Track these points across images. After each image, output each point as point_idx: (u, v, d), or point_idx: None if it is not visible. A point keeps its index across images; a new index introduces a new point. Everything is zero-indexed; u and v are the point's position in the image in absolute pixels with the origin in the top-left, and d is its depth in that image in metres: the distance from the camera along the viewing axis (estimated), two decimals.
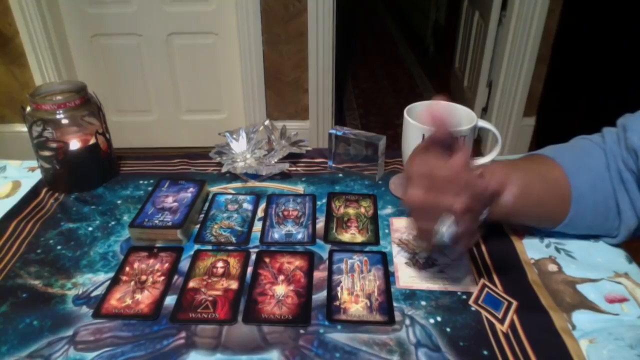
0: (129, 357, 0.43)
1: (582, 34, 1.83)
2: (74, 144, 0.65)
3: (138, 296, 0.49)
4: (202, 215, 0.62)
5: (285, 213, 0.62)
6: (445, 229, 0.41)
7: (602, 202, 0.52)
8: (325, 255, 0.55)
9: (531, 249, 0.56)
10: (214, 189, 0.68)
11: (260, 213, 0.63)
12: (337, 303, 0.48)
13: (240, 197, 0.66)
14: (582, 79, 1.84)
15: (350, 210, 0.63)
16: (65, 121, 0.64)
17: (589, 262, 0.54)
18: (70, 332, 0.45)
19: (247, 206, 0.64)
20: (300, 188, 0.68)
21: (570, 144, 0.58)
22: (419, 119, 0.65)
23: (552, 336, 0.44)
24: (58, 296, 0.50)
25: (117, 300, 0.49)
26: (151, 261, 0.54)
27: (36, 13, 1.87)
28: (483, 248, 0.56)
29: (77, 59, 2.10)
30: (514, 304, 0.48)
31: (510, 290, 0.50)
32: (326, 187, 0.68)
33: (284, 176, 0.71)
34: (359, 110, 2.78)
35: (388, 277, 0.52)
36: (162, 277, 0.52)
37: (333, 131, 0.70)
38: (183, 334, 0.45)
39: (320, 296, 0.49)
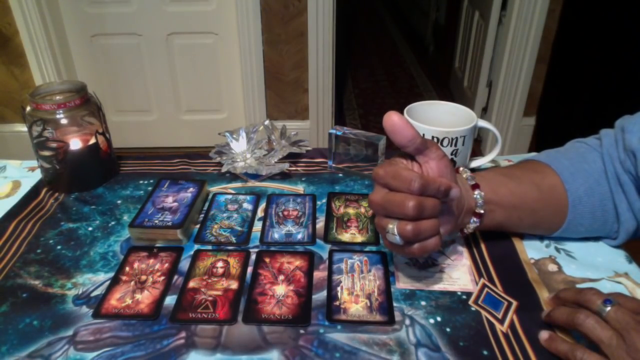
0: (129, 357, 0.43)
1: (582, 34, 1.83)
2: (74, 144, 0.65)
3: (138, 296, 0.49)
4: (202, 215, 0.62)
5: (285, 213, 0.62)
6: (396, 228, 0.42)
7: (599, 206, 0.52)
8: (325, 255, 0.55)
9: (531, 249, 0.56)
10: (214, 189, 0.68)
11: (260, 213, 0.63)
12: (337, 303, 0.48)
13: (240, 197, 0.66)
14: (582, 79, 1.84)
15: (350, 210, 0.63)
16: (65, 121, 0.64)
17: (589, 262, 0.54)
18: (70, 332, 0.45)
19: (247, 206, 0.64)
20: (300, 188, 0.68)
21: (565, 148, 0.58)
22: (420, 119, 0.65)
23: None
24: (58, 296, 0.50)
25: (117, 300, 0.49)
26: (151, 261, 0.54)
27: (36, 13, 1.87)
28: (483, 248, 0.56)
29: (77, 59, 2.10)
30: (514, 304, 0.48)
31: (510, 290, 0.50)
32: (326, 187, 0.68)
33: (284, 176, 0.71)
34: (359, 110, 2.78)
35: (388, 277, 0.52)
36: (162, 277, 0.52)
37: (333, 131, 0.70)
38: (183, 334, 0.45)
39: (320, 296, 0.49)
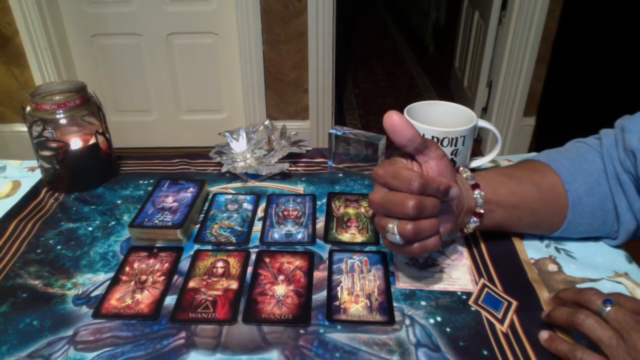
0: (129, 357, 0.43)
1: (582, 33, 1.83)
2: (74, 144, 0.65)
3: (138, 296, 0.49)
4: (202, 215, 0.62)
5: (285, 213, 0.62)
6: (396, 228, 0.42)
7: (599, 206, 0.52)
8: (325, 255, 0.55)
9: (531, 249, 0.56)
10: (214, 188, 0.68)
11: (260, 213, 0.63)
12: (337, 303, 0.48)
13: (240, 197, 0.66)
14: (582, 79, 1.84)
15: (350, 210, 0.63)
16: (65, 121, 0.64)
17: (589, 261, 0.54)
18: (70, 332, 0.45)
19: (247, 206, 0.64)
20: (300, 188, 0.68)
21: (565, 148, 0.58)
22: (420, 119, 0.65)
23: None
24: (58, 296, 0.50)
25: (117, 300, 0.49)
26: (151, 261, 0.54)
27: (36, 13, 1.87)
28: (483, 248, 0.56)
29: (77, 59, 2.10)
30: (514, 304, 0.48)
31: (510, 290, 0.50)
32: (326, 187, 0.68)
33: (284, 176, 0.71)
34: (359, 110, 2.78)
35: (388, 277, 0.52)
36: (162, 277, 0.52)
37: (333, 131, 0.70)
38: (183, 334, 0.45)
39: (320, 296, 0.49)
